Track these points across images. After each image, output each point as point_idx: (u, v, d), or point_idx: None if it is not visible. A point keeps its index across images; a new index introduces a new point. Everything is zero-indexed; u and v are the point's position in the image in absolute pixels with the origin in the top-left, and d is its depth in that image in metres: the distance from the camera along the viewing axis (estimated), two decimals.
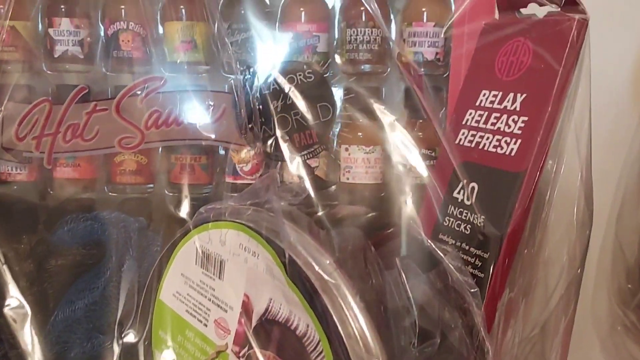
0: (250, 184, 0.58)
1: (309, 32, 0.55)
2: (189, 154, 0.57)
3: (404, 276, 0.33)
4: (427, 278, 0.35)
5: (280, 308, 0.35)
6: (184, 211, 0.44)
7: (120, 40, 0.55)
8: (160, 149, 0.59)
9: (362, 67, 0.55)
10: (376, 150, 0.56)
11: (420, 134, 0.56)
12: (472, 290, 0.40)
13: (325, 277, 0.32)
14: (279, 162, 0.58)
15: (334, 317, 0.31)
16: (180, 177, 0.58)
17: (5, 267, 0.40)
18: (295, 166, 0.56)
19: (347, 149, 0.56)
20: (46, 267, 0.44)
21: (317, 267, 0.32)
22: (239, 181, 0.58)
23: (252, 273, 0.37)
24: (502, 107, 0.48)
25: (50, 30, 0.55)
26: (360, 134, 0.56)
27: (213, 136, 0.56)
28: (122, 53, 0.55)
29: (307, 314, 0.33)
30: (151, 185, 0.59)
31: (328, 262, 0.32)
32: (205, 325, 0.41)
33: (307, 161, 0.57)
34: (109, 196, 0.61)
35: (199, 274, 0.42)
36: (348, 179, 0.57)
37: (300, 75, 0.54)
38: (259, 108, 0.54)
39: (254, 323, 0.37)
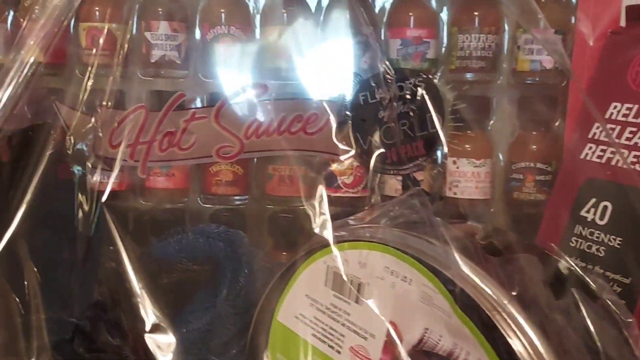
0: (350, 197, 0.58)
1: (418, 38, 0.53)
2: (289, 165, 0.55)
3: (583, 309, 0.30)
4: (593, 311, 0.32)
5: (439, 340, 0.33)
6: (322, 227, 0.41)
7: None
8: (255, 159, 0.57)
9: (473, 76, 0.53)
10: (486, 164, 0.54)
11: (535, 146, 0.54)
12: (628, 320, 0.38)
13: (503, 309, 0.29)
14: (379, 175, 0.56)
15: (517, 353, 0.29)
16: (277, 189, 0.56)
17: (143, 291, 0.38)
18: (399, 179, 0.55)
19: (454, 162, 0.54)
20: (158, 283, 0.42)
21: (494, 298, 0.29)
22: (339, 194, 0.56)
23: (402, 299, 0.35)
24: (638, 121, 0.45)
25: (147, 34, 0.53)
26: (468, 146, 0.53)
27: (315, 147, 0.54)
28: None
29: (482, 349, 0.30)
30: (246, 197, 0.57)
31: (504, 292, 0.29)
32: (338, 352, 0.38)
33: (413, 174, 0.55)
34: (199, 207, 0.60)
35: (329, 297, 0.39)
36: (455, 193, 0.54)
37: (409, 83, 0.52)
38: (365, 118, 0.52)
39: (402, 353, 0.35)
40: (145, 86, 0.55)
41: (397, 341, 0.32)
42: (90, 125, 0.48)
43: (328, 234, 0.38)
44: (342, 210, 0.56)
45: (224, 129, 0.54)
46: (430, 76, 0.51)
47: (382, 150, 0.51)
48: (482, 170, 0.53)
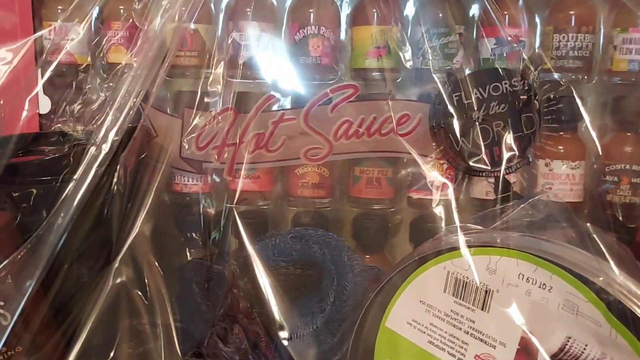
0: (441, 199, 0.57)
1: (515, 37, 0.52)
2: (377, 167, 0.54)
3: None
4: None
5: (585, 349, 0.32)
6: (448, 232, 0.40)
7: (310, 46, 0.53)
8: (340, 161, 0.56)
9: (569, 75, 0.52)
10: (581, 166, 0.52)
11: (630, 148, 0.52)
12: None
13: None
14: (467, 177, 0.55)
15: None
16: (364, 191, 0.55)
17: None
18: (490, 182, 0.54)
19: (547, 164, 0.53)
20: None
21: None
22: (429, 197, 0.55)
23: (539, 307, 0.34)
24: None
25: (236, 35, 0.53)
26: (562, 147, 0.52)
27: (406, 148, 0.54)
28: (311, 59, 0.53)
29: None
30: (330, 199, 0.57)
31: None
32: None
33: (506, 176, 0.54)
34: (281, 209, 0.59)
35: (449, 303, 0.38)
36: (548, 196, 0.53)
37: (506, 83, 0.50)
38: (458, 119, 0.51)
39: None
40: (229, 88, 0.55)
41: (541, 349, 0.31)
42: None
43: (456, 240, 0.37)
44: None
45: (313, 130, 0.54)
46: (525, 76, 0.51)
47: (475, 151, 0.51)
48: (577, 172, 0.52)
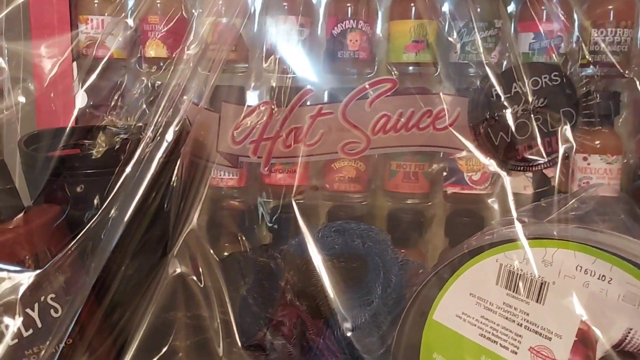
0: (476, 194, 0.57)
1: (552, 32, 0.52)
2: (414, 161, 0.54)
3: None
4: None
5: None
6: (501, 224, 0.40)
7: (348, 40, 0.53)
8: (376, 156, 0.57)
9: (607, 70, 0.52)
10: (618, 161, 0.53)
11: None
12: None
13: None
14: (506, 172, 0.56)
15: None
16: (401, 186, 0.55)
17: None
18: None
19: (585, 158, 0.53)
20: (313, 281, 0.41)
21: None
22: (465, 191, 0.55)
23: (598, 299, 0.34)
24: None
25: (272, 29, 0.53)
26: (599, 142, 0.52)
27: (444, 142, 0.54)
28: (349, 53, 0.53)
29: None
30: (365, 194, 0.57)
31: None
32: (514, 353, 0.38)
33: (544, 170, 0.54)
34: (314, 203, 0.59)
35: (501, 296, 0.39)
36: (596, 190, 0.53)
37: (545, 78, 0.50)
38: (497, 113, 0.51)
39: (599, 354, 0.34)
40: (266, 82, 0.55)
41: (603, 339, 0.31)
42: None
43: (509, 232, 0.37)
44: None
45: (351, 124, 0.54)
46: (564, 71, 0.51)
47: (514, 145, 0.51)
48: (615, 167, 0.52)
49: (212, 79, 0.49)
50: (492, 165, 0.46)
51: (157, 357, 0.37)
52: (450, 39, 0.51)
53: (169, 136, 0.38)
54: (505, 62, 0.53)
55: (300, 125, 0.53)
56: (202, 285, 0.39)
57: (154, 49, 0.53)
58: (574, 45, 0.54)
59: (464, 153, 0.51)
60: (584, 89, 0.53)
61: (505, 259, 0.38)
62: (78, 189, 0.37)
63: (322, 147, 0.53)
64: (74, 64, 0.54)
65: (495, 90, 0.49)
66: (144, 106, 0.55)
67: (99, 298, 0.36)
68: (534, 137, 0.50)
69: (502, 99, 0.49)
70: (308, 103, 0.52)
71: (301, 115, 0.53)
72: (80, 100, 0.55)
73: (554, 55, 0.52)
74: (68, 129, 0.48)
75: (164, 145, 0.37)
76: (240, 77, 0.54)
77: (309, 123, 0.53)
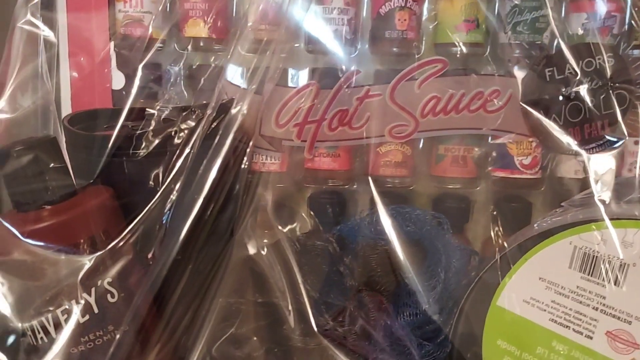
0: (526, 179, 0.55)
1: (607, 12, 0.51)
2: (462, 145, 0.53)
3: None
4: None
5: None
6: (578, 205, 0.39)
7: (397, 20, 0.51)
8: (422, 140, 0.55)
9: None
10: None
11: None
12: None
13: None
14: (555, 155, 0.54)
15: None
16: (450, 170, 0.54)
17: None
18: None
19: (637, 142, 0.52)
20: (372, 265, 0.40)
21: None
22: (515, 175, 0.54)
23: None
24: None
25: (318, 8, 0.51)
26: None
27: (495, 125, 0.52)
28: (397, 33, 0.51)
29: None
30: (411, 179, 0.55)
31: None
32: (589, 338, 0.37)
33: (596, 154, 0.53)
34: (358, 189, 0.58)
35: (574, 279, 0.37)
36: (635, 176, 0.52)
37: (599, 59, 0.49)
38: (550, 95, 0.50)
39: None
40: (310, 63, 0.53)
41: None
42: None
43: (585, 213, 0.36)
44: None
45: (399, 107, 0.52)
46: (617, 52, 0.50)
47: (566, 128, 0.50)
48: None
49: (261, 61, 0.48)
50: (571, 144, 0.44)
51: (229, 341, 0.36)
52: (499, 19, 0.51)
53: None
54: (556, 43, 0.52)
55: (346, 108, 0.51)
56: (267, 269, 0.38)
57: (194, 28, 0.52)
58: (625, 27, 0.53)
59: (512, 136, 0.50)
60: (638, 71, 0.53)
61: (580, 241, 0.37)
62: (136, 170, 0.35)
63: (369, 130, 0.52)
64: (111, 43, 0.53)
65: (549, 71, 0.49)
66: (183, 88, 0.55)
67: (163, 286, 0.34)
68: (586, 120, 0.49)
69: (555, 80, 0.49)
70: (354, 85, 0.51)
71: (348, 97, 0.51)
72: (116, 81, 0.53)
73: (607, 37, 0.51)
74: (114, 110, 0.46)
75: (236, 125, 0.36)
76: (284, 59, 0.52)
77: (356, 105, 0.51)
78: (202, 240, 0.35)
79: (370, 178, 0.54)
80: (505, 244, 0.41)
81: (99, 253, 0.34)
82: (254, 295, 0.37)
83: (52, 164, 0.34)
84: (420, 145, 0.53)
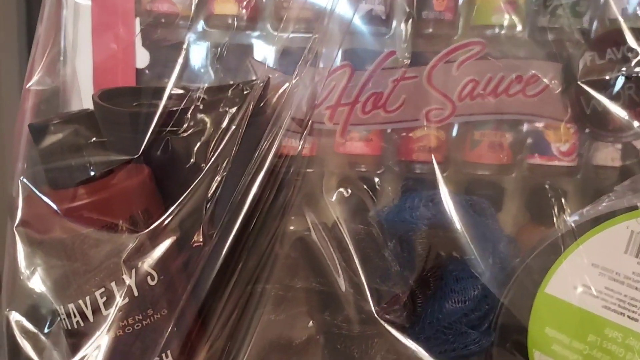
0: (563, 166, 0.54)
1: None
2: (499, 130, 0.52)
3: None
4: None
5: None
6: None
7: (434, 0, 0.50)
8: (456, 124, 0.54)
9: None
10: None
11: None
12: None
13: None
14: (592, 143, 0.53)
15: None
16: (485, 156, 0.53)
17: None
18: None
19: None
20: (418, 251, 0.38)
21: None
22: (552, 162, 0.53)
23: None
24: None
25: None
26: None
27: (534, 110, 0.51)
28: (434, 14, 0.50)
29: None
30: (445, 165, 0.54)
31: None
32: None
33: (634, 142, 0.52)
34: (387, 175, 0.56)
35: (631, 265, 0.36)
36: None
37: None
38: (591, 80, 0.49)
39: None
40: (344, 44, 0.51)
41: None
42: None
43: None
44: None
45: (436, 90, 0.51)
46: None
47: (605, 115, 0.49)
48: None
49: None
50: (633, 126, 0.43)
51: (283, 327, 0.34)
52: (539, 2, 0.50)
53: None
54: (594, 27, 0.51)
55: (380, 91, 0.50)
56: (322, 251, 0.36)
57: (225, 5, 0.50)
58: None
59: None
60: None
61: (638, 225, 0.36)
62: (181, 147, 0.34)
63: (404, 114, 0.50)
64: (137, 20, 0.51)
65: (590, 56, 0.48)
66: (210, 68, 0.53)
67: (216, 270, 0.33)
68: (627, 106, 0.48)
69: (596, 66, 0.48)
70: (389, 67, 0.50)
71: (383, 79, 0.50)
72: (140, 59, 0.52)
73: None
74: (144, 88, 0.44)
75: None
76: (318, 39, 0.51)
77: (391, 87, 0.50)
78: (260, 222, 0.33)
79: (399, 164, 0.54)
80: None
81: (141, 232, 0.33)
82: (307, 280, 0.36)
83: (91, 139, 0.33)
84: (455, 131, 0.53)
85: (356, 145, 0.52)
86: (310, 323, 0.37)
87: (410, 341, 0.34)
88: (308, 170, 0.53)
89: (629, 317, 0.36)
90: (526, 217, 0.55)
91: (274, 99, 0.48)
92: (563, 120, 0.48)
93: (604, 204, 0.37)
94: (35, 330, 0.31)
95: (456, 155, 0.54)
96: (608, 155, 0.52)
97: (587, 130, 0.48)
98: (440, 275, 0.38)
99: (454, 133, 0.52)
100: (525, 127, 0.52)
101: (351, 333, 0.38)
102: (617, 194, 0.38)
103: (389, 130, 0.51)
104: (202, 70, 0.51)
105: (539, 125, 0.49)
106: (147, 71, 0.51)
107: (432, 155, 0.50)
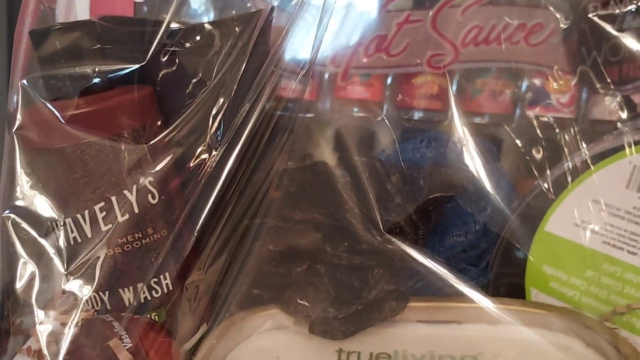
0: (560, 118, 0.54)
1: None
2: (501, 79, 0.52)
3: None
4: None
5: None
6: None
7: None
8: (458, 72, 0.54)
9: None
10: None
11: None
12: None
13: None
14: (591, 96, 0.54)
15: None
16: (486, 106, 0.53)
17: None
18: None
19: None
20: (420, 185, 0.38)
21: None
22: (550, 113, 0.53)
23: None
24: None
25: None
26: None
27: (536, 59, 0.51)
28: None
29: None
30: (444, 113, 0.54)
31: None
32: None
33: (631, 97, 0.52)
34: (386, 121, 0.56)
35: (632, 200, 0.36)
36: None
37: None
38: (592, 31, 0.49)
39: None
40: None
41: None
42: None
43: None
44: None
45: (440, 34, 0.50)
46: None
47: (606, 67, 0.49)
48: None
49: None
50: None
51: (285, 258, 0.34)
52: None
53: None
54: None
55: (384, 33, 0.49)
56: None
57: None
58: None
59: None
60: None
61: None
62: (186, 62, 0.33)
63: (407, 59, 0.50)
64: None
65: (593, 7, 0.48)
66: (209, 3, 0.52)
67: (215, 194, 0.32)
68: (626, 59, 0.48)
69: (599, 16, 0.48)
70: (392, 8, 0.49)
71: (387, 21, 0.49)
72: None
73: None
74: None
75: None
76: None
77: (395, 31, 0.49)
78: (265, 141, 0.33)
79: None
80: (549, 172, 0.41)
81: (143, 145, 0.32)
82: (308, 212, 0.35)
83: (94, 47, 0.32)
84: (457, 78, 0.53)
85: (357, 90, 0.51)
86: (310, 254, 0.37)
87: (421, 256, 0.34)
88: (308, 115, 0.54)
89: (628, 251, 0.37)
90: (521, 170, 0.55)
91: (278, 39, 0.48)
92: (564, 70, 0.49)
93: (606, 141, 0.38)
94: (34, 234, 0.30)
95: (457, 104, 0.54)
96: (605, 108, 0.52)
97: (586, 83, 0.49)
98: (442, 210, 0.39)
99: (456, 81, 0.53)
100: (526, 76, 0.53)
101: (352, 264, 0.38)
102: (620, 131, 0.38)
103: (390, 77, 0.52)
104: (202, 7, 0.51)
105: (540, 74, 0.50)
106: (145, 7, 0.50)
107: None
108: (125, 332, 0.28)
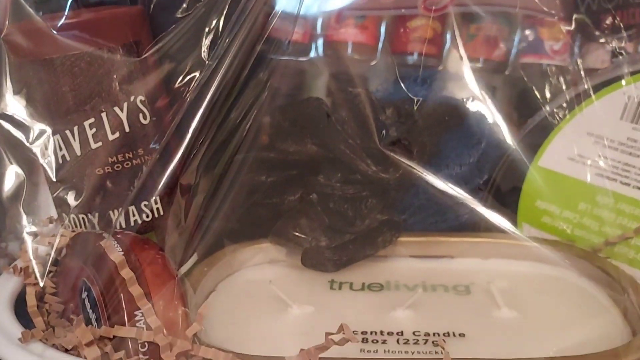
0: (553, 65, 0.54)
1: None
2: (495, 24, 0.51)
3: None
4: None
5: None
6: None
7: None
8: (453, 17, 0.53)
9: None
10: None
11: None
12: None
13: None
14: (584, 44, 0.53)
15: None
16: (479, 51, 0.52)
17: None
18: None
19: None
20: (414, 118, 0.38)
21: None
22: (544, 60, 0.53)
23: None
24: None
25: None
26: None
27: (530, 4, 0.51)
28: None
29: None
30: (439, 59, 0.53)
31: None
32: (638, 189, 0.36)
33: (626, 44, 0.52)
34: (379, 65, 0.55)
35: (625, 131, 0.36)
36: None
37: None
38: None
39: None
40: None
41: None
42: None
43: None
44: None
45: None
46: None
47: (598, 15, 0.49)
48: None
49: None
50: None
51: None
52: None
53: None
54: None
55: None
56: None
57: None
58: None
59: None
60: None
61: (636, 90, 0.36)
62: None
63: (402, 0, 0.50)
64: None
65: None
66: None
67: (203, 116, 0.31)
68: (619, 6, 0.48)
69: None
70: None
71: None
72: None
73: None
74: None
75: None
76: None
77: None
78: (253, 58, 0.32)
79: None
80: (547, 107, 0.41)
81: (135, 59, 0.31)
82: (302, 143, 0.35)
83: None
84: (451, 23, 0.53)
85: (350, 33, 0.51)
86: (304, 184, 0.36)
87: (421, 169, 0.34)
88: (301, 58, 0.53)
89: (621, 182, 0.37)
90: (513, 118, 0.55)
91: None
92: (558, 17, 0.48)
93: (602, 74, 0.38)
94: (23, 140, 0.29)
95: (450, 48, 0.54)
96: (598, 57, 0.52)
97: (580, 30, 0.49)
98: (437, 142, 0.38)
99: (450, 25, 0.53)
100: (520, 22, 0.52)
101: (345, 194, 0.37)
102: (615, 64, 0.38)
103: (384, 20, 0.52)
104: None
105: (535, 21, 0.50)
106: None
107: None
108: (116, 243, 0.28)
